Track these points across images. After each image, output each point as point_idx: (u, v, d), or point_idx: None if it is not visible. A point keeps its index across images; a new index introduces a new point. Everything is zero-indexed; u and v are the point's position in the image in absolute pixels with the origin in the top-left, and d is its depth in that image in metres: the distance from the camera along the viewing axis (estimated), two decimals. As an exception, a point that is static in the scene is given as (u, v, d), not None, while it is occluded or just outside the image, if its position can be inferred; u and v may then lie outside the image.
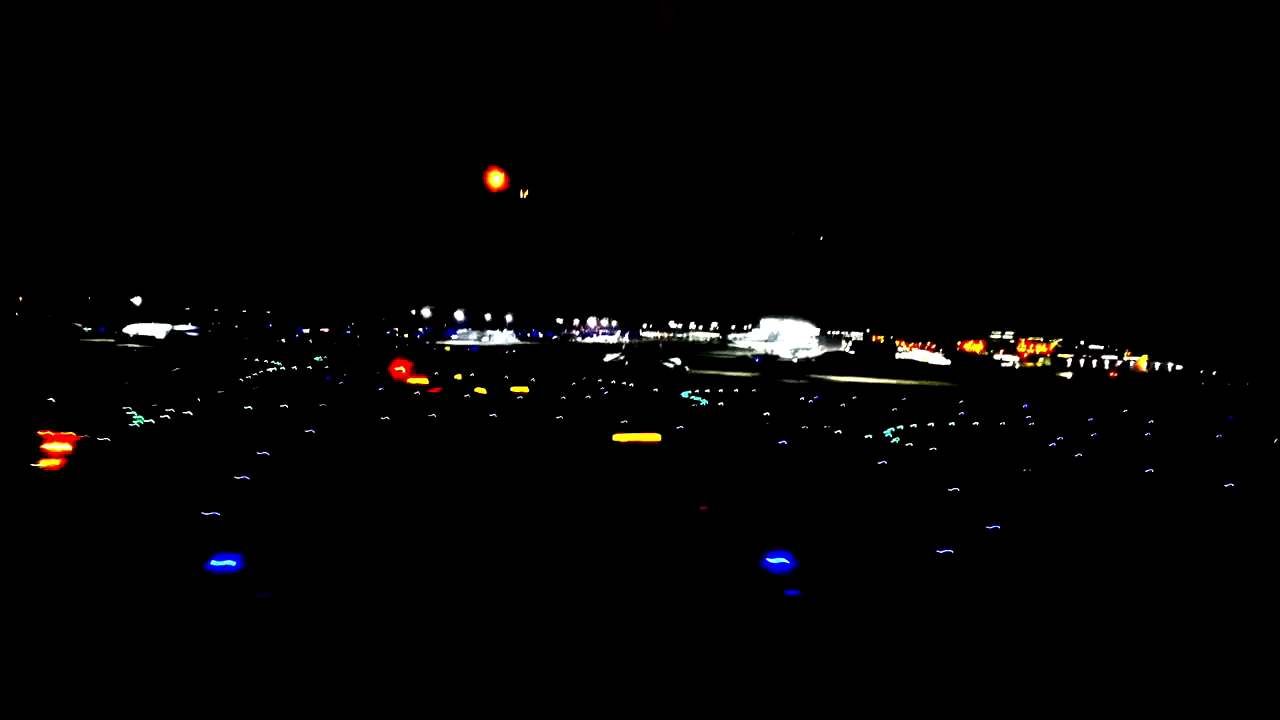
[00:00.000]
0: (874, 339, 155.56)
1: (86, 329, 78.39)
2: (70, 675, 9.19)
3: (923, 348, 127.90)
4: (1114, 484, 24.99)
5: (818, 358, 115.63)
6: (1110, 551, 16.95)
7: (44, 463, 18.75)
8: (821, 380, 76.34)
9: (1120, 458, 30.74)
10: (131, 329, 79.20)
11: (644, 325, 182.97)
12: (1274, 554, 17.45)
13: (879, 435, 34.89)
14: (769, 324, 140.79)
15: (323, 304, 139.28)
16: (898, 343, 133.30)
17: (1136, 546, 17.46)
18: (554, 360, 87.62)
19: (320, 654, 10.14)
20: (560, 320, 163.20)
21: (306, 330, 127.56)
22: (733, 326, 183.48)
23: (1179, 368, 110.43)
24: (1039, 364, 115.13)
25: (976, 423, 42.59)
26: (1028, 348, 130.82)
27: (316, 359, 67.77)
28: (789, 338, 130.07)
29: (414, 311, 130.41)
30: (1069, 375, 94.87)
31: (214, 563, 12.23)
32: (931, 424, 41.00)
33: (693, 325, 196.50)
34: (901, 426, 38.91)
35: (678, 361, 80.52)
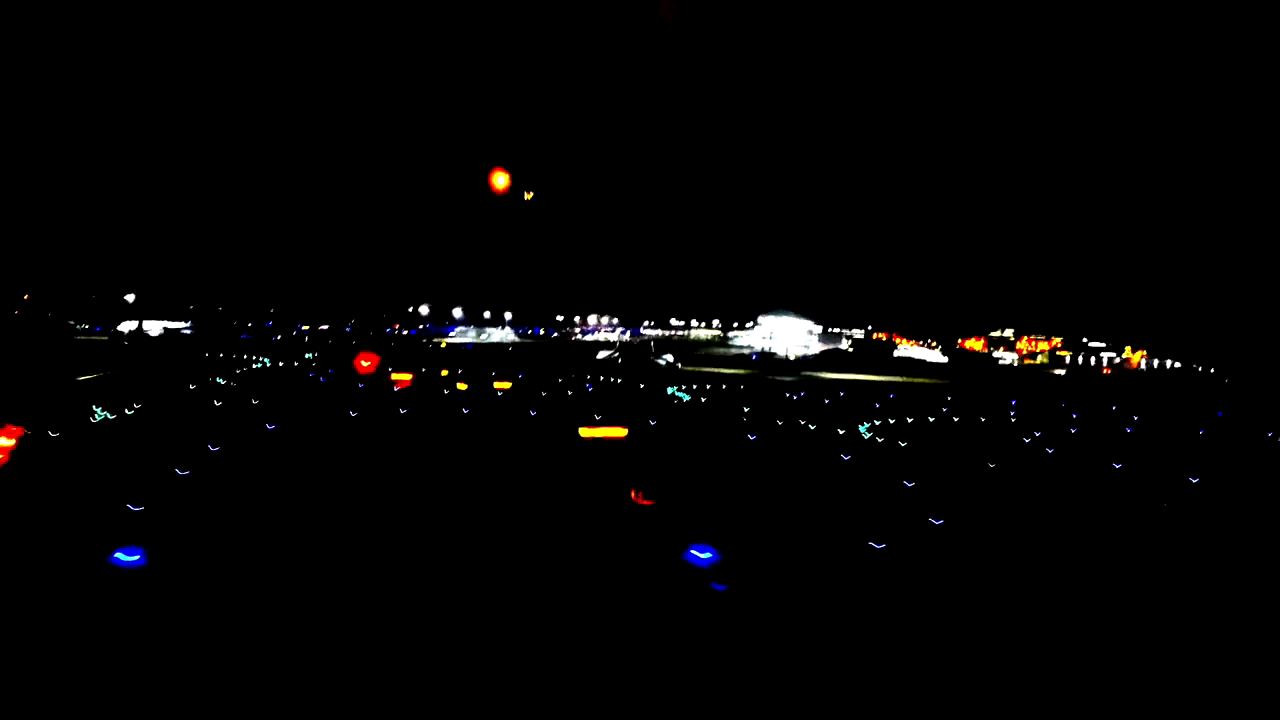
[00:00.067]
0: (876, 336, 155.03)
1: (81, 327, 78.74)
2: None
3: (922, 345, 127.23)
4: (1076, 479, 24.71)
5: (815, 355, 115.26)
6: (1046, 545, 16.73)
7: (-13, 456, 18.78)
8: (813, 377, 75.99)
9: (1091, 453, 30.40)
10: (126, 326, 79.59)
11: (646, 323, 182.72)
12: (1215, 548, 17.18)
13: (853, 431, 34.65)
14: (767, 321, 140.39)
15: (323, 302, 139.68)
16: (897, 340, 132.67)
17: (1076, 540, 17.23)
18: (548, 357, 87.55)
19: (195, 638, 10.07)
20: (561, 318, 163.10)
21: (306, 327, 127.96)
22: (735, 324, 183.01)
23: (1177, 365, 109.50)
24: (1038, 361, 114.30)
25: (956, 419, 42.27)
26: (1029, 345, 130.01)
27: (307, 356, 67.87)
28: (787, 335, 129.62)
29: (411, 309, 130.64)
30: (1062, 372, 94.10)
31: (119, 556, 12.16)
32: (910, 420, 40.72)
33: (694, 323, 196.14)
34: (878, 422, 38.64)
35: (670, 358, 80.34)
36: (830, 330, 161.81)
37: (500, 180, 67.07)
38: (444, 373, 56.60)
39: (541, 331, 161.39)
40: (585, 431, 29.28)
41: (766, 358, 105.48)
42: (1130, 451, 31.23)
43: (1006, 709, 9.70)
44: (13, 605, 10.89)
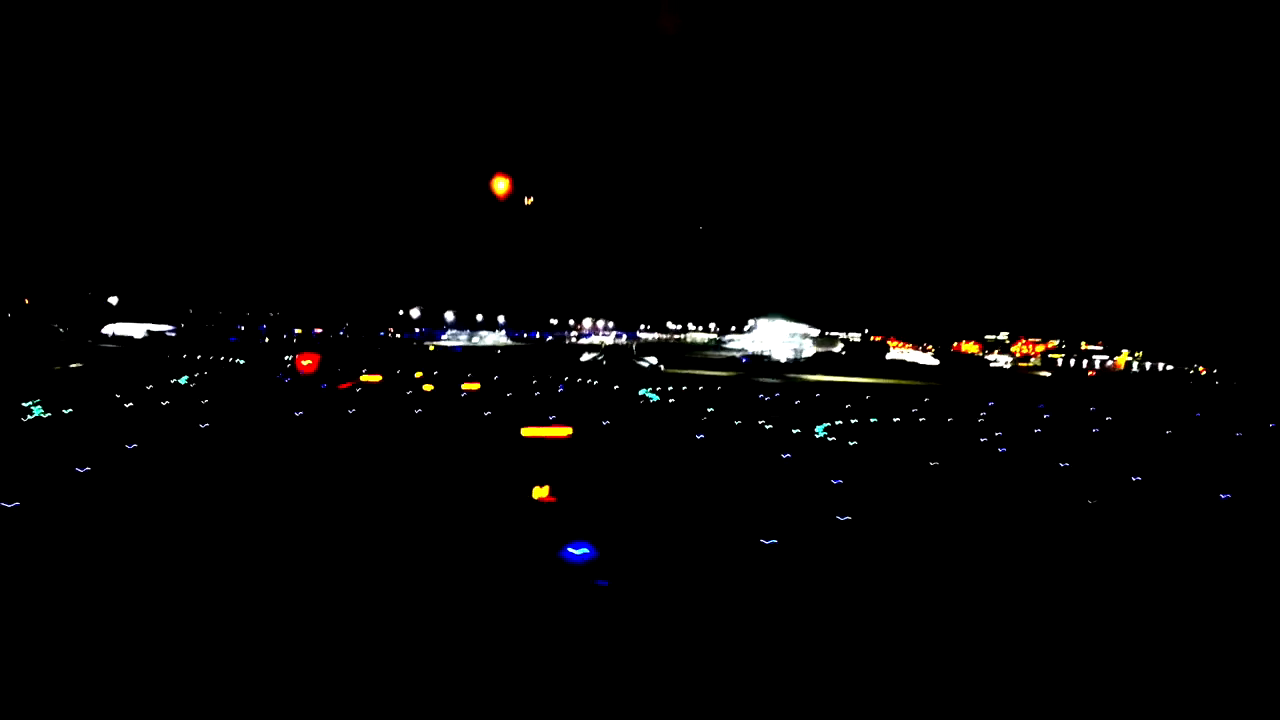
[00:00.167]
0: (873, 340, 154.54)
1: (64, 330, 78.96)
2: None
3: (915, 348, 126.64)
4: (1018, 477, 24.26)
5: (808, 358, 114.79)
6: (946, 541, 16.33)
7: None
8: (797, 379, 75.60)
9: (1045, 452, 29.92)
10: (109, 329, 79.86)
11: (642, 326, 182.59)
12: (1137, 547, 16.75)
13: (809, 431, 34.25)
14: (759, 325, 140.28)
15: (317, 307, 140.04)
16: (891, 343, 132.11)
17: (987, 539, 16.82)
18: (534, 359, 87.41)
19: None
20: (555, 321, 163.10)
21: (299, 331, 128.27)
22: (733, 328, 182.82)
23: (1169, 367, 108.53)
24: (1030, 364, 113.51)
25: (924, 419, 41.81)
26: (1026, 348, 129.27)
27: (286, 359, 67.86)
28: (780, 338, 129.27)
29: (401, 312, 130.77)
30: (1047, 374, 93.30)
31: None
32: (874, 420, 40.28)
33: (691, 326, 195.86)
34: (840, 422, 38.23)
35: (654, 360, 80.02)
36: (828, 334, 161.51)
37: (501, 185, 67.22)
38: (418, 374, 56.50)
39: (538, 335, 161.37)
40: (528, 431, 28.97)
41: (757, 360, 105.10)
42: (1085, 451, 30.78)
43: (865, 706, 9.35)
44: None
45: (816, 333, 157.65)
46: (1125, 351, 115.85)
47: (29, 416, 26.28)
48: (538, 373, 63.60)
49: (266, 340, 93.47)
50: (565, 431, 29.41)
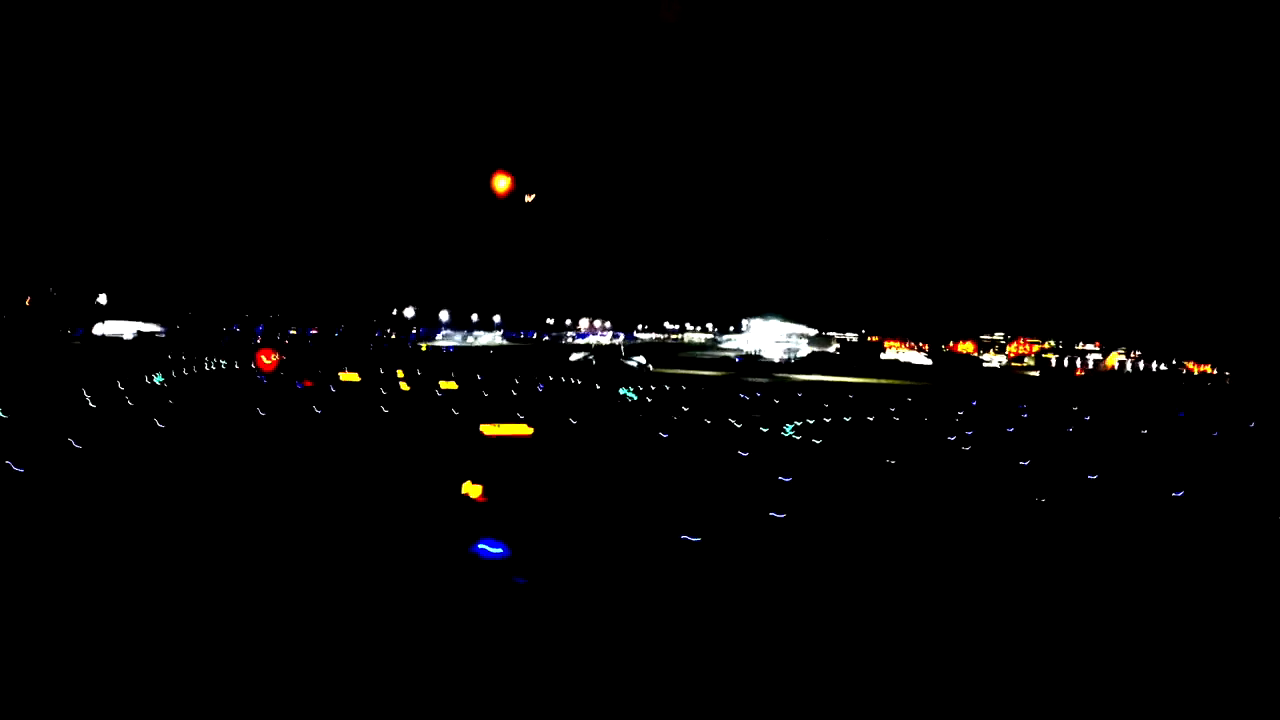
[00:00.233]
0: (870, 340, 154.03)
1: (54, 330, 79.18)
2: None
3: (911, 348, 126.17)
4: (971, 475, 24.12)
5: (801, 358, 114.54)
6: (879, 541, 16.21)
7: None
8: (786, 379, 75.38)
9: (1010, 451, 29.75)
10: (99, 328, 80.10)
11: (640, 326, 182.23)
12: (1071, 543, 16.60)
13: (777, 429, 34.15)
14: (753, 325, 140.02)
15: (315, 307, 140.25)
16: (886, 344, 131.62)
17: (917, 536, 16.69)
18: (525, 360, 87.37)
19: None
20: (551, 321, 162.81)
21: (294, 332, 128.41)
22: (731, 328, 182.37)
23: (1163, 367, 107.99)
24: (1025, 364, 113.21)
25: (898, 418, 41.65)
26: (1021, 348, 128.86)
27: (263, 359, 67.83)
28: (774, 338, 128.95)
29: (395, 311, 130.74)
30: (1036, 374, 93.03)
31: None
32: (848, 419, 40.15)
33: (689, 326, 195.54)
34: (812, 421, 38.11)
35: (642, 360, 79.94)
36: (825, 334, 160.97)
37: (502, 183, 67.03)
38: (400, 374, 56.46)
39: (535, 335, 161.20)
40: (488, 429, 28.92)
41: (750, 360, 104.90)
42: (1050, 450, 30.60)
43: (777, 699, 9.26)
44: None
45: (814, 333, 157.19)
46: (1115, 351, 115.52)
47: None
48: (523, 372, 63.55)
49: (258, 341, 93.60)
50: (526, 430, 29.36)
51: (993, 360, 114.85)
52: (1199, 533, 17.86)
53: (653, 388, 55.64)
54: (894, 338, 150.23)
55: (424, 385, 47.51)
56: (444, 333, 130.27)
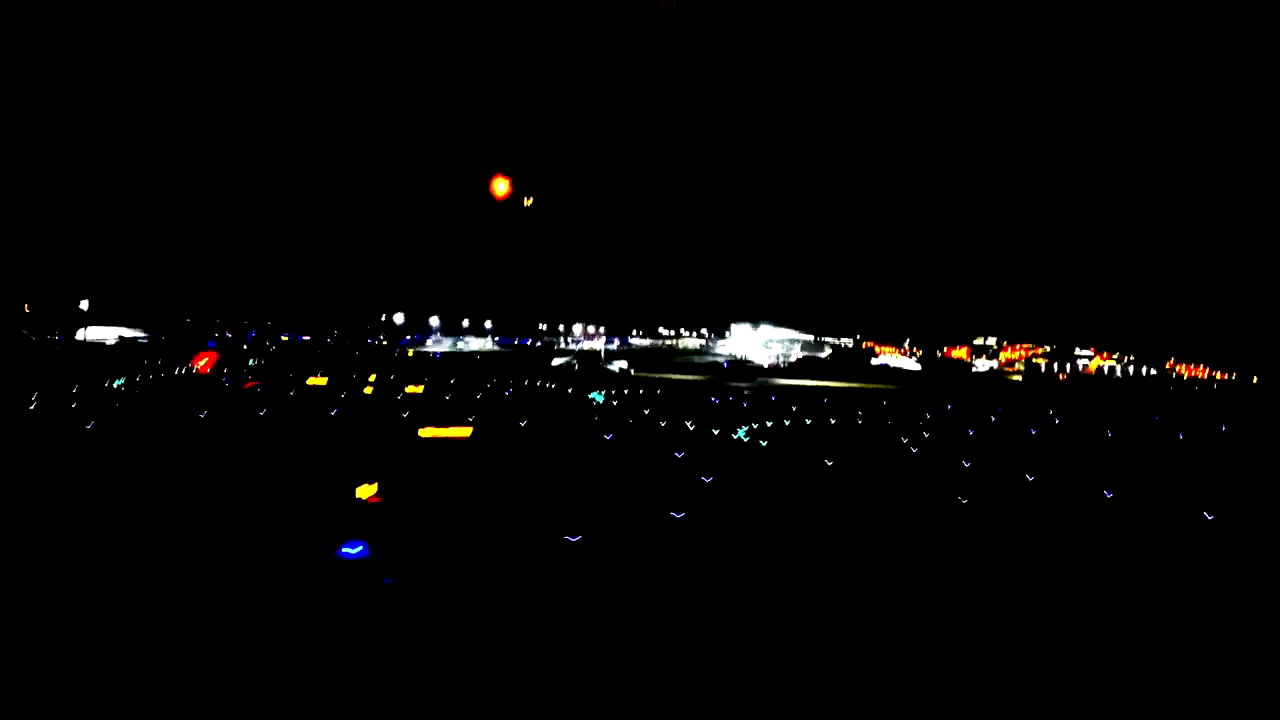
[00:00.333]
0: (865, 346, 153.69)
1: (33, 337, 79.10)
2: None
3: (902, 353, 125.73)
4: (906, 477, 23.72)
5: (790, 363, 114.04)
6: (775, 542, 15.87)
7: None
8: (767, 384, 74.95)
9: (960, 453, 29.32)
10: (82, 334, 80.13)
11: (635, 332, 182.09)
12: (974, 542, 16.23)
13: (729, 432, 33.77)
14: (740, 331, 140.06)
15: (308, 313, 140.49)
16: (878, 349, 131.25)
17: (818, 537, 16.35)
18: (508, 365, 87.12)
19: None
20: (544, 327, 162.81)
21: (286, 338, 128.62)
22: (726, 334, 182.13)
23: (1153, 372, 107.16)
24: (1015, 368, 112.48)
25: (861, 421, 41.20)
26: (1013, 353, 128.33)
27: (250, 362, 67.89)
28: (763, 343, 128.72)
29: (384, 317, 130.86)
30: (1019, 378, 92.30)
31: None
32: (810, 421, 39.74)
33: (684, 332, 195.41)
34: (770, 424, 37.71)
35: (623, 365, 79.69)
36: (820, 339, 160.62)
37: (501, 186, 67.06)
38: (372, 377, 56.37)
39: (529, 342, 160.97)
40: (425, 432, 28.70)
41: (737, 365, 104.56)
42: (1001, 453, 30.18)
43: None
44: None
45: (810, 338, 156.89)
46: (1098, 356, 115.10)
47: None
48: (501, 377, 63.34)
49: (245, 347, 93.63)
50: (465, 432, 29.11)
51: (984, 365, 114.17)
52: (1110, 532, 17.48)
53: (625, 392, 55.30)
54: (889, 343, 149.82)
55: (390, 389, 47.32)
56: (434, 338, 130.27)
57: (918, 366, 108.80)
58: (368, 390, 46.00)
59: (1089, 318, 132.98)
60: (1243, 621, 12.02)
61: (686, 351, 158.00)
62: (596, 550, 14.52)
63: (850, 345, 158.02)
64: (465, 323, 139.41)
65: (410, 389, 47.79)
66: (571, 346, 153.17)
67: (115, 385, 40.73)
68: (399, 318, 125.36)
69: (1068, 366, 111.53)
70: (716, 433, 33.23)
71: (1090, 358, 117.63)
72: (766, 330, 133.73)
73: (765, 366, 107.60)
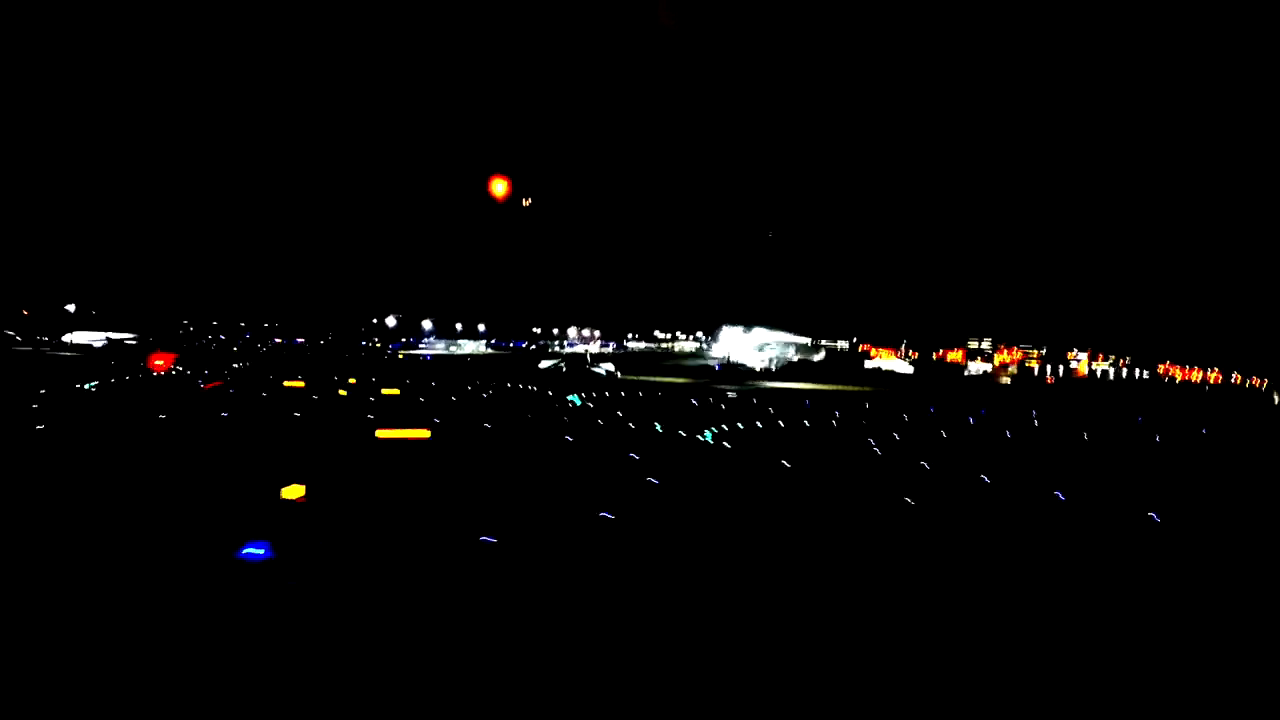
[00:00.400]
0: (861, 348, 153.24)
1: (18, 340, 78.95)
2: None
3: (898, 356, 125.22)
4: (860, 479, 23.42)
5: (783, 366, 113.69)
6: (703, 543, 15.59)
7: None
8: (755, 387, 74.65)
9: (923, 454, 29.01)
10: (69, 336, 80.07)
11: (631, 335, 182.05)
12: (912, 543, 15.94)
13: (695, 434, 33.48)
14: (731, 334, 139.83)
15: (302, 316, 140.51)
16: (872, 352, 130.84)
17: (748, 538, 16.06)
18: (496, 368, 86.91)
19: None
20: (538, 330, 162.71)
21: (280, 341, 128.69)
22: (722, 337, 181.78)
23: (1145, 375, 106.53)
24: (1009, 371, 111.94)
25: (836, 423, 40.89)
26: (1006, 356, 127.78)
27: (234, 365, 67.80)
28: (755, 346, 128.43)
29: (375, 320, 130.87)
30: (1007, 380, 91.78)
31: None
32: (783, 423, 39.45)
33: (679, 335, 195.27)
34: (742, 426, 37.42)
35: (610, 368, 79.44)
36: (817, 342, 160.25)
37: (500, 187, 66.79)
38: (351, 380, 56.22)
39: (524, 345, 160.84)
40: (382, 433, 28.47)
41: (729, 368, 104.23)
42: (966, 455, 29.87)
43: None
44: None
45: (807, 341, 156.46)
46: (1087, 358, 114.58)
47: None
48: (484, 380, 63.13)
49: (235, 349, 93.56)
50: (423, 434, 28.87)
51: (977, 368, 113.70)
52: (1046, 533, 17.17)
53: (606, 394, 55.04)
54: (885, 346, 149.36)
55: (367, 392, 47.12)
56: (427, 341, 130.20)
57: (909, 369, 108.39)
58: (342, 393, 45.78)
59: (1085, 321, 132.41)
60: (1148, 623, 11.73)
61: (680, 355, 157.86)
62: (509, 552, 14.25)
63: (845, 348, 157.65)
64: (459, 326, 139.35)
65: (386, 391, 47.59)
66: (565, 350, 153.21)
67: (88, 388, 40.55)
68: (391, 320, 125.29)
69: (1059, 370, 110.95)
70: (684, 435, 32.95)
71: (1080, 361, 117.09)
72: (761, 333, 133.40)
73: (757, 370, 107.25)
